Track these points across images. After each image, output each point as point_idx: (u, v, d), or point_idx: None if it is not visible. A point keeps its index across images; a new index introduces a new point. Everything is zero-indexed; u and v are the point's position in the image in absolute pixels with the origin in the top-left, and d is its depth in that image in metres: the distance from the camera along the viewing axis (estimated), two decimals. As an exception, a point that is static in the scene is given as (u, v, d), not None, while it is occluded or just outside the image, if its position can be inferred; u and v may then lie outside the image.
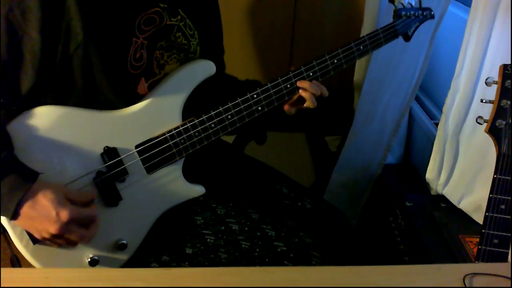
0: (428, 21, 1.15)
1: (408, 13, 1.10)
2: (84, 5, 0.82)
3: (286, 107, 1.05)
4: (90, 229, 0.86)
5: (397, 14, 1.09)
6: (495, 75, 0.85)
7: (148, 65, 0.94)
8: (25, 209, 0.81)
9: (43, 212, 0.81)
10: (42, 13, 0.80)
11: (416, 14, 1.11)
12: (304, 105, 1.03)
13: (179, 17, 0.97)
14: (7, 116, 0.86)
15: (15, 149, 0.84)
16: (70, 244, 0.86)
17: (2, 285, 0.67)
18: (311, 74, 1.02)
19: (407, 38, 1.13)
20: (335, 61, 1.03)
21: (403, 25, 1.09)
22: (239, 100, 0.98)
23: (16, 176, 0.80)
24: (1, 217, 0.86)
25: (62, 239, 0.84)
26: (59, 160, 0.88)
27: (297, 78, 1.01)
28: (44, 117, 0.87)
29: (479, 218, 1.25)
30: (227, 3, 1.15)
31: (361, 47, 1.05)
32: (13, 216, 0.81)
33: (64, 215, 0.81)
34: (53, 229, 0.81)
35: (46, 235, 0.83)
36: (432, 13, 1.13)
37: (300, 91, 1.02)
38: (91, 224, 0.87)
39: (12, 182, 0.80)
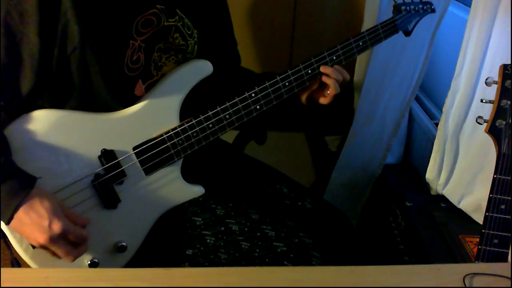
0: (428, 21, 1.14)
1: (408, 8, 1.08)
2: (80, 8, 0.82)
3: (303, 97, 1.04)
4: (78, 249, 0.85)
5: (397, 8, 1.07)
6: (495, 75, 0.85)
7: (145, 67, 0.93)
8: (20, 214, 0.80)
9: (36, 219, 0.80)
10: (40, 15, 0.80)
11: (417, 9, 1.09)
12: (328, 91, 1.03)
13: (176, 17, 0.97)
14: (6, 119, 0.86)
15: (12, 153, 0.84)
16: (54, 256, 0.85)
17: (2, 285, 0.67)
18: (309, 72, 1.02)
19: (407, 34, 1.11)
20: (334, 57, 1.02)
21: (403, 20, 1.08)
22: (237, 99, 0.98)
23: (15, 182, 0.80)
24: (1, 222, 0.85)
25: (48, 250, 0.84)
26: (56, 163, 0.88)
27: (295, 76, 1.01)
28: (41, 121, 0.87)
29: (479, 218, 1.24)
30: (227, 3, 1.15)
31: (360, 43, 1.04)
32: (9, 221, 0.80)
33: (57, 227, 0.80)
34: (42, 238, 0.80)
35: (34, 243, 0.83)
36: (432, 7, 1.11)
37: (323, 77, 1.02)
38: (80, 245, 0.86)
39: (10, 188, 0.79)
